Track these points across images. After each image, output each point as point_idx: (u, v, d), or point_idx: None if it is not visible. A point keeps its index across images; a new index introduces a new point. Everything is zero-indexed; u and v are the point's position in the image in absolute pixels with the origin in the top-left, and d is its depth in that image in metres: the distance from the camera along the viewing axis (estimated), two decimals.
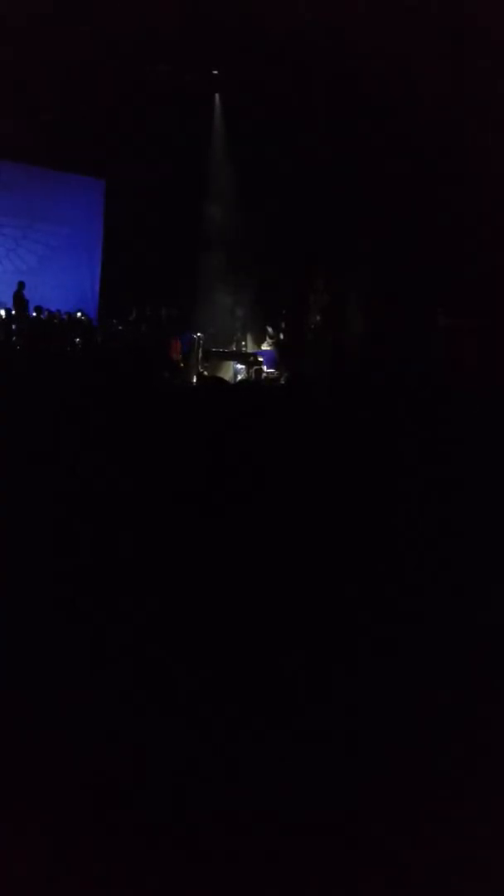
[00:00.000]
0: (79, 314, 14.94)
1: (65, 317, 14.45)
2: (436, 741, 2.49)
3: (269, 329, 14.51)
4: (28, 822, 2.14)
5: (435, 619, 2.97)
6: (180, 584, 3.11)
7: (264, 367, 13.33)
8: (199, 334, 14.03)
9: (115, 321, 14.89)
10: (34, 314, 13.74)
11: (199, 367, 13.61)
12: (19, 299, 13.47)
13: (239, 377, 12.92)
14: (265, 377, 12.75)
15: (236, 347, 15.01)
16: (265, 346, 14.50)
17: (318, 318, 13.82)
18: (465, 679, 2.74)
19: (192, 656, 2.74)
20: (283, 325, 14.36)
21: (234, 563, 3.24)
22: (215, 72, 13.91)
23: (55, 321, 14.00)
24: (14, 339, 12.56)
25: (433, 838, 2.20)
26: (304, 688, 2.67)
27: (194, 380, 12.66)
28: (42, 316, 13.85)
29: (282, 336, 14.21)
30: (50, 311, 14.13)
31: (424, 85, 9.85)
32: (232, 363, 13.87)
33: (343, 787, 2.32)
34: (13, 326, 13.12)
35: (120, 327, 14.58)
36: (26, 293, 13.58)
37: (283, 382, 10.82)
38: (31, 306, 13.73)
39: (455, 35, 9.26)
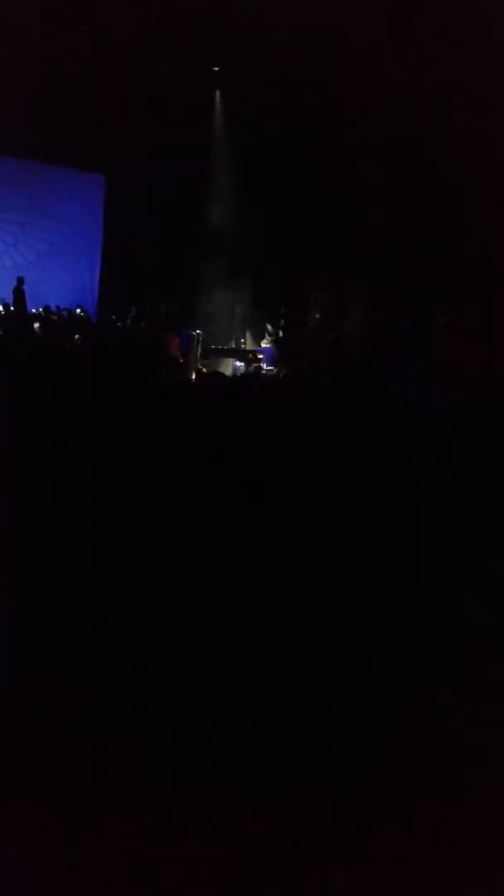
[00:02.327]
0: (78, 310, 14.90)
1: (64, 313, 14.42)
2: (436, 741, 2.49)
3: (269, 326, 14.50)
4: (28, 822, 2.14)
5: (436, 618, 2.97)
6: (182, 581, 3.11)
7: (263, 365, 13.32)
8: (198, 331, 14.00)
9: (114, 317, 14.86)
10: (33, 310, 13.70)
11: (199, 364, 13.59)
12: (18, 295, 13.42)
13: (238, 374, 12.92)
14: (264, 374, 12.74)
15: (235, 345, 15.00)
16: (264, 344, 14.49)
17: (317, 315, 13.81)
18: (465, 679, 2.74)
19: (194, 656, 2.74)
20: (282, 322, 14.35)
21: (234, 561, 3.24)
22: (216, 68, 13.91)
23: (54, 317, 13.97)
24: (13, 334, 12.53)
25: (433, 838, 2.20)
26: (305, 689, 2.67)
27: (193, 377, 12.65)
28: (40, 312, 13.81)
29: (281, 333, 14.19)
30: (48, 308, 14.08)
31: (426, 84, 9.84)
32: (231, 360, 13.87)
33: (343, 787, 2.32)
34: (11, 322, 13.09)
35: (119, 324, 14.55)
36: (25, 289, 13.52)
37: (280, 378, 10.82)
38: (30, 302, 13.68)
39: (456, 34, 9.25)
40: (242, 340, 15.29)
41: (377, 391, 5.12)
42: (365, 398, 4.89)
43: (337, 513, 3.54)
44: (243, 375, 12.21)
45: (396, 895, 2.09)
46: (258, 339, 14.92)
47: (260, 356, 13.64)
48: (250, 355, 13.86)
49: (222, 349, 14.44)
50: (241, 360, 13.74)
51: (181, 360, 13.26)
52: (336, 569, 3.26)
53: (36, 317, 13.66)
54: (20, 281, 13.47)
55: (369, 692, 2.65)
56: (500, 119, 9.01)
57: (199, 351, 13.84)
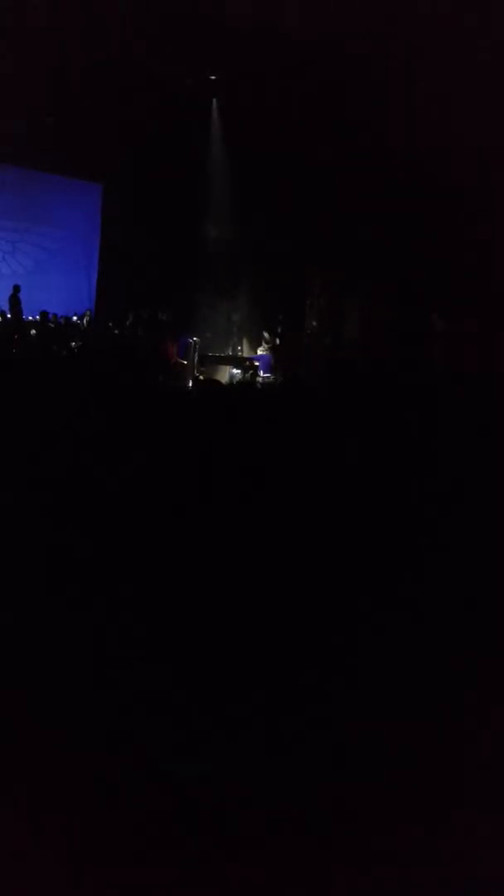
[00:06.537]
0: (75, 318, 14.93)
1: (61, 320, 14.44)
2: (436, 741, 2.48)
3: (266, 334, 14.52)
4: (28, 821, 2.13)
5: (436, 619, 2.97)
6: (180, 585, 3.10)
7: (260, 372, 13.34)
8: (195, 338, 14.03)
9: (111, 325, 14.89)
10: (29, 318, 13.71)
11: (196, 372, 13.60)
12: (15, 302, 13.42)
13: (235, 382, 12.93)
14: (260, 382, 12.75)
15: (232, 352, 15.02)
16: (261, 351, 14.50)
17: (315, 322, 13.84)
18: (465, 678, 2.73)
19: (193, 656, 2.73)
20: (279, 329, 14.37)
21: (233, 564, 3.24)
22: (213, 77, 13.98)
23: (51, 325, 13.98)
24: (9, 341, 12.54)
25: (433, 839, 2.19)
26: (304, 689, 2.66)
27: (190, 384, 12.66)
28: (37, 319, 13.82)
29: (278, 340, 14.22)
30: (45, 315, 14.11)
31: (423, 90, 9.89)
32: (228, 368, 13.89)
33: (344, 788, 2.31)
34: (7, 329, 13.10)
35: (116, 331, 14.58)
36: (22, 296, 13.53)
37: (278, 385, 10.82)
38: (27, 310, 13.69)
39: (456, 39, 9.29)
40: (239, 348, 15.32)
41: (376, 395, 5.13)
42: (363, 402, 4.89)
43: (335, 514, 3.54)
44: (240, 382, 12.21)
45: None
46: (255, 346, 14.94)
47: (256, 363, 13.66)
48: (247, 363, 13.88)
49: (219, 356, 14.47)
50: (237, 368, 13.77)
51: (179, 367, 13.30)
52: (337, 570, 3.25)
53: (32, 324, 13.67)
54: (16, 289, 13.47)
55: (370, 692, 2.64)
56: (499, 124, 9.04)
57: (196, 358, 13.86)
